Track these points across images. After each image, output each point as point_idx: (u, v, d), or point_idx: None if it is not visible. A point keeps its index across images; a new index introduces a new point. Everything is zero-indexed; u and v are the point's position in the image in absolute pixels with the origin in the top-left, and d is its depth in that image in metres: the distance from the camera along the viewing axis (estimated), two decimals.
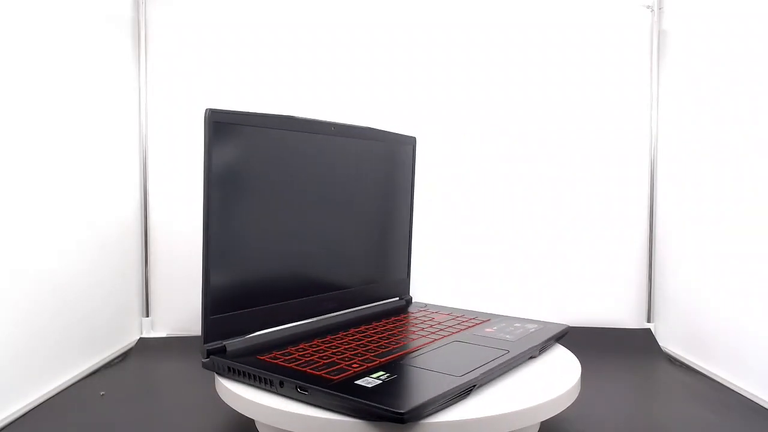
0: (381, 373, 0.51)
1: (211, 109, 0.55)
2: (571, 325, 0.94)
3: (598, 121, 0.94)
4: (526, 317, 0.88)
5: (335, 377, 0.49)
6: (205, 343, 0.56)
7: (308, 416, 0.46)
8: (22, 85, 0.64)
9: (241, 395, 0.50)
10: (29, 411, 0.63)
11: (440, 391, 0.46)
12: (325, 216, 0.68)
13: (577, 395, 0.55)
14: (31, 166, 0.66)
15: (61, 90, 0.72)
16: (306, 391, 0.48)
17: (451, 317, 0.74)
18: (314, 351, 0.57)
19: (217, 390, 0.55)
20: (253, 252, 0.60)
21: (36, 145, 0.67)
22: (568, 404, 0.52)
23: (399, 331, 0.66)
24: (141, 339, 0.90)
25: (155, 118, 0.93)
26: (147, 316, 0.93)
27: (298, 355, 0.55)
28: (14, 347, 0.63)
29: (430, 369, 0.53)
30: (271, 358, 0.55)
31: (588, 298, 0.95)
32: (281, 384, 0.49)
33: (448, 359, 0.56)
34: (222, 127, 0.56)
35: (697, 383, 0.74)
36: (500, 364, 0.54)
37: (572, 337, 0.89)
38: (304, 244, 0.66)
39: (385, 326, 0.68)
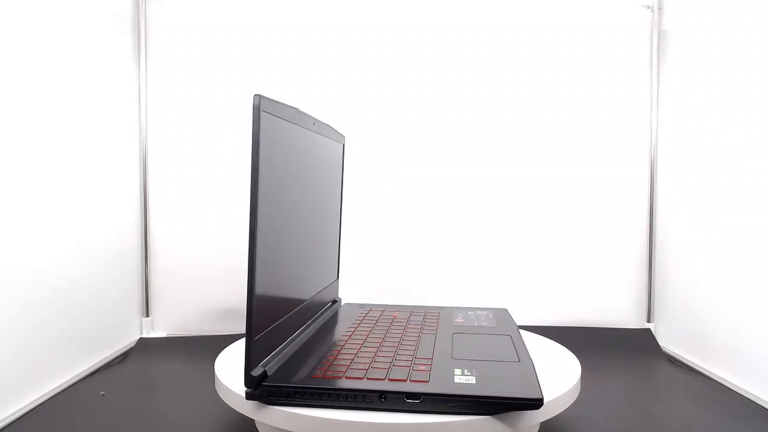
0: (460, 369, 0.52)
1: (260, 96, 0.48)
2: (571, 325, 0.94)
3: (598, 121, 0.94)
4: (461, 305, 0.90)
5: (423, 380, 0.49)
6: (251, 369, 0.47)
7: (308, 416, 0.46)
8: (22, 85, 0.64)
9: (241, 395, 0.50)
10: (29, 411, 0.63)
11: (535, 375, 0.51)
12: (311, 217, 0.64)
13: (577, 395, 0.55)
14: (30, 166, 0.66)
15: (61, 90, 0.72)
16: (417, 398, 0.47)
17: (409, 314, 0.74)
18: (351, 360, 0.54)
19: (217, 390, 0.55)
20: (287, 257, 0.55)
21: (36, 146, 0.67)
22: (568, 404, 0.52)
23: (388, 331, 0.66)
24: (141, 339, 0.90)
25: (155, 118, 0.93)
26: (147, 316, 0.93)
27: (346, 367, 0.52)
28: (14, 347, 0.63)
29: (489, 360, 0.55)
30: (329, 373, 0.50)
31: (588, 298, 0.95)
32: (382, 397, 0.47)
33: (484, 349, 0.59)
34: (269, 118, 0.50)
35: (697, 383, 0.74)
36: (523, 346, 0.60)
37: (572, 337, 0.89)
38: (302, 248, 0.61)
39: (366, 328, 0.67)
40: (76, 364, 0.75)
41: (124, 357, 0.84)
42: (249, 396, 0.48)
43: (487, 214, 0.95)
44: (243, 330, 0.92)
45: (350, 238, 0.93)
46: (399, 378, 0.49)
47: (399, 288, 0.95)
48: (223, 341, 0.81)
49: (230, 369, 0.57)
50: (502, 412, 0.46)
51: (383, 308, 0.78)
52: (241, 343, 0.66)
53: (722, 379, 0.76)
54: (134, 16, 0.91)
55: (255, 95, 0.47)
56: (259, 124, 0.47)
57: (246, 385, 0.48)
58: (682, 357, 0.86)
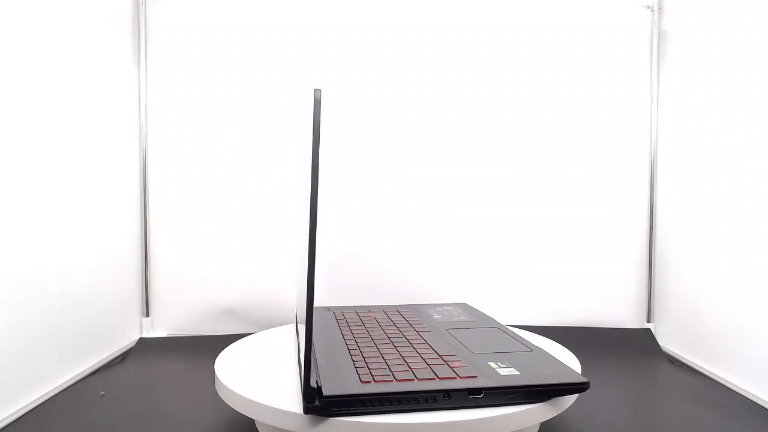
0: (493, 362, 0.54)
1: (320, 90, 0.46)
2: (571, 325, 0.94)
3: (598, 121, 0.94)
4: (427, 302, 0.89)
5: (472, 376, 0.50)
6: (308, 383, 0.45)
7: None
8: (22, 85, 0.64)
9: (241, 395, 0.50)
10: (29, 411, 0.63)
11: (560, 361, 0.54)
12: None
13: (577, 395, 0.55)
14: (30, 166, 0.66)
15: (61, 90, 0.72)
16: (479, 393, 0.47)
17: (383, 313, 0.75)
18: (382, 363, 0.53)
19: (217, 390, 0.55)
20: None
21: (36, 146, 0.67)
22: (569, 404, 0.52)
23: (386, 332, 0.65)
24: (141, 339, 0.90)
25: (155, 118, 0.93)
26: (147, 316, 0.93)
27: (387, 371, 0.51)
28: (14, 347, 0.63)
29: (505, 351, 0.58)
30: (379, 378, 0.49)
31: (588, 298, 0.95)
32: (447, 395, 0.47)
33: (489, 342, 0.61)
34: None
35: (697, 383, 0.74)
36: (518, 336, 0.63)
37: (572, 337, 0.89)
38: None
39: (360, 331, 0.66)
40: (76, 364, 0.75)
41: (124, 357, 0.84)
42: (309, 410, 0.45)
43: (487, 214, 0.95)
44: (243, 330, 0.92)
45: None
46: (448, 376, 0.50)
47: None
48: (223, 341, 0.81)
49: (230, 369, 0.57)
50: (554, 398, 0.49)
51: (352, 309, 0.77)
52: (241, 343, 0.66)
53: (722, 379, 0.76)
54: (134, 16, 0.91)
55: (315, 89, 0.45)
56: (319, 119, 0.45)
57: (305, 399, 0.45)
58: (682, 357, 0.86)
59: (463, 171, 0.95)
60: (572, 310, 0.95)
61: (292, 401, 0.49)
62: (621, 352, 0.87)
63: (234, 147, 0.93)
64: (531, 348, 0.59)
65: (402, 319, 0.71)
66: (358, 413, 0.46)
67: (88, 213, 0.78)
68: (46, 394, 0.68)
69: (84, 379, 0.74)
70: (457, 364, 0.53)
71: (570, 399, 0.51)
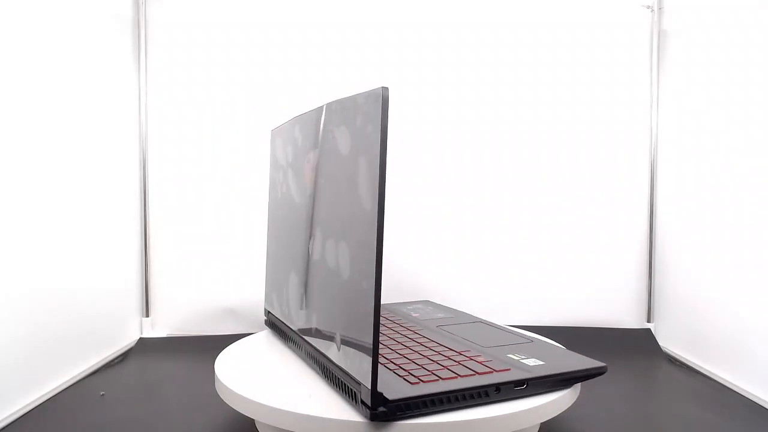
0: (515, 355, 0.56)
1: (387, 88, 0.45)
2: (571, 326, 0.94)
3: (598, 121, 0.94)
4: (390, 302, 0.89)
5: (505, 369, 0.51)
6: (376, 388, 0.43)
7: (309, 416, 0.46)
8: (22, 85, 0.64)
9: (241, 395, 0.50)
10: (29, 411, 0.63)
11: (564, 350, 0.58)
12: None
13: (577, 396, 0.55)
14: (30, 166, 0.66)
15: (61, 90, 0.72)
16: (523, 384, 0.49)
17: None
18: (413, 364, 0.53)
19: (217, 390, 0.55)
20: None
21: (36, 146, 0.67)
22: (569, 404, 0.52)
23: (392, 333, 0.66)
24: (141, 339, 0.90)
25: (155, 118, 0.93)
26: (147, 316, 0.93)
27: (425, 371, 0.51)
28: (14, 347, 0.63)
29: (508, 344, 0.60)
30: (425, 379, 0.49)
31: (588, 298, 0.95)
32: (498, 390, 0.48)
33: (488, 336, 0.63)
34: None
35: (697, 383, 0.74)
36: (505, 328, 0.66)
37: (572, 337, 0.89)
38: None
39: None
40: (76, 364, 0.75)
41: (124, 357, 0.84)
42: (376, 416, 0.43)
43: (487, 215, 0.95)
44: (243, 330, 0.92)
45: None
46: (486, 371, 0.50)
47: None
48: (223, 341, 0.81)
49: (230, 369, 0.57)
50: (579, 383, 0.53)
51: None
52: (241, 343, 0.66)
53: (722, 379, 0.76)
54: (134, 16, 0.91)
55: (383, 87, 0.44)
56: (387, 116, 0.44)
57: (373, 405, 0.43)
58: (682, 357, 0.86)
59: (460, 171, 0.95)
60: (572, 310, 0.95)
61: (293, 401, 0.48)
62: (621, 352, 0.87)
63: (234, 147, 0.93)
64: (530, 339, 0.62)
65: (388, 320, 0.71)
66: (416, 415, 0.45)
67: (88, 213, 0.78)
68: (46, 394, 0.68)
69: (84, 379, 0.74)
70: (481, 359, 0.54)
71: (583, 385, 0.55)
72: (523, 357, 0.55)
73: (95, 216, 0.79)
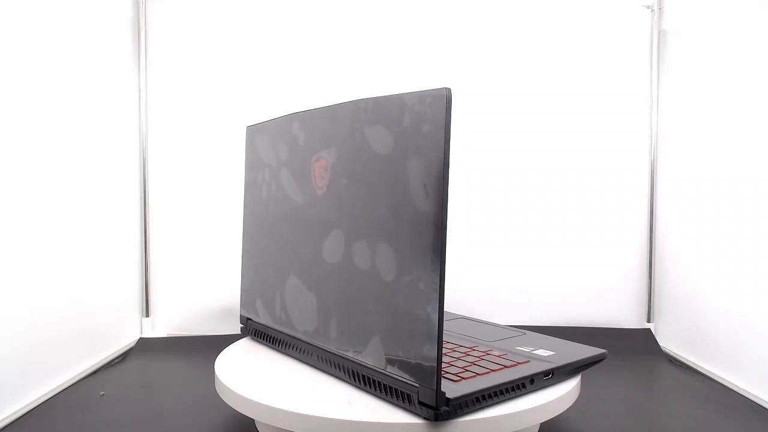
0: (524, 348, 0.58)
1: (449, 89, 0.43)
2: (571, 326, 0.94)
3: (598, 121, 0.94)
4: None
5: (526, 361, 0.53)
6: (440, 388, 0.43)
7: (308, 416, 0.46)
8: (23, 85, 0.64)
9: (241, 395, 0.50)
10: (29, 411, 0.63)
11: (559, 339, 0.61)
12: None
13: (577, 396, 0.55)
14: (30, 166, 0.66)
15: (61, 90, 0.72)
16: (550, 374, 0.51)
17: None
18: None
19: (217, 390, 0.55)
20: None
21: (36, 146, 0.67)
22: (568, 405, 0.52)
23: None
24: (141, 339, 0.90)
25: (155, 118, 0.93)
26: (147, 316, 0.93)
27: (458, 368, 0.51)
28: (14, 347, 0.63)
29: (504, 338, 0.61)
30: (465, 375, 0.49)
31: (588, 298, 0.95)
32: (532, 381, 0.50)
33: (484, 332, 0.64)
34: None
35: (697, 383, 0.74)
36: (490, 322, 0.69)
37: (572, 337, 0.89)
38: None
39: None
40: (76, 364, 0.75)
41: (124, 357, 0.84)
42: (439, 416, 0.43)
43: (487, 214, 0.95)
44: None
45: None
46: (510, 364, 0.52)
47: None
48: (223, 341, 0.81)
49: (230, 369, 0.57)
50: (585, 370, 0.55)
51: None
52: (241, 343, 0.66)
53: (722, 379, 0.76)
54: (134, 16, 0.91)
55: (446, 88, 0.42)
56: (450, 117, 0.42)
57: (437, 405, 0.43)
58: (682, 357, 0.86)
59: (460, 171, 0.95)
60: (572, 310, 0.95)
61: (292, 401, 0.48)
62: (621, 352, 0.87)
63: (234, 147, 0.93)
64: (522, 332, 0.64)
65: None
66: (471, 412, 0.45)
67: (88, 213, 0.78)
68: (46, 394, 0.68)
69: (84, 379, 0.74)
70: (496, 353, 0.55)
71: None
72: (532, 348, 0.57)
73: (95, 216, 0.79)
